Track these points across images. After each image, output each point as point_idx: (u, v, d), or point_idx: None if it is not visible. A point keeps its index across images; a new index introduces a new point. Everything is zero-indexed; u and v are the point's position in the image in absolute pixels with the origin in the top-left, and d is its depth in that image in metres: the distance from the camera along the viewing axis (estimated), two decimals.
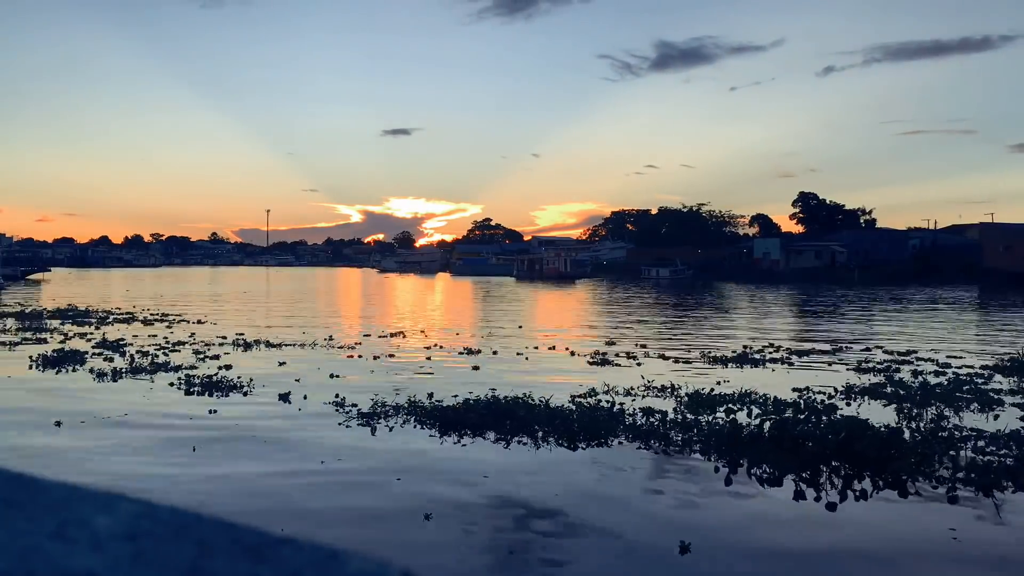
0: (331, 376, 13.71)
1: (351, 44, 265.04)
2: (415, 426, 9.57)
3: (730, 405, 10.23)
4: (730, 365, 15.39)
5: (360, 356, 16.74)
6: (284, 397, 11.44)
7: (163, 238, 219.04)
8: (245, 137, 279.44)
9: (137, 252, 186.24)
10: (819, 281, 64.69)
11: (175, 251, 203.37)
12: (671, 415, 9.77)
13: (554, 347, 18.58)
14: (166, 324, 24.30)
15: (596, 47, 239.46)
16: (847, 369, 14.71)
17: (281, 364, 15.23)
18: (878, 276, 64.33)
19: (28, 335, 20.34)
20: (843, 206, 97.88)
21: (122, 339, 19.27)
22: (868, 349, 18.35)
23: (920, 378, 13.25)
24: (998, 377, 13.47)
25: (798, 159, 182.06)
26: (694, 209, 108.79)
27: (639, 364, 15.46)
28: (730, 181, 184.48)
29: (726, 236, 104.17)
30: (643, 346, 18.88)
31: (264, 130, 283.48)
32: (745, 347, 18.31)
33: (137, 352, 16.64)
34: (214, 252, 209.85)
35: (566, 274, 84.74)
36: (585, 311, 34.61)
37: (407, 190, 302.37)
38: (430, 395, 11.11)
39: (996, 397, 11.33)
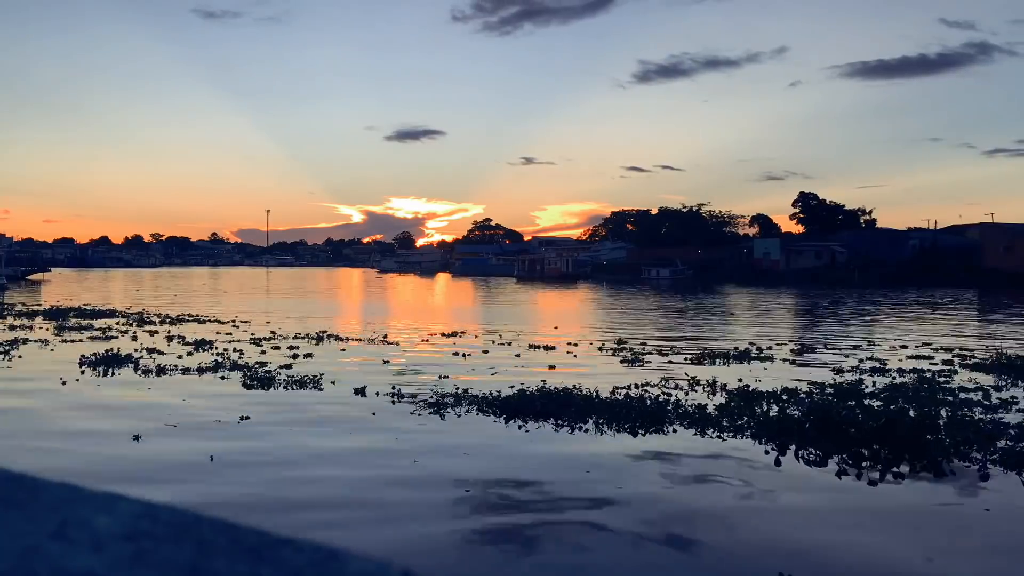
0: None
1: (354, 50, 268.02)
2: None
3: (770, 398, 10.78)
4: (752, 363, 15.95)
5: (463, 354, 17.01)
6: (437, 409, 10.72)
7: (163, 238, 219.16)
8: (246, 138, 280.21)
9: (137, 252, 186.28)
10: (819, 282, 64.88)
11: (175, 251, 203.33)
12: (721, 405, 10.37)
13: (613, 345, 19.17)
14: (231, 323, 24.45)
15: (583, 64, 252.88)
16: (849, 368, 15.02)
17: (386, 362, 15.59)
18: (878, 276, 64.45)
19: (82, 333, 20.47)
20: (843, 206, 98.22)
21: (206, 339, 19.16)
22: (871, 345, 18.87)
23: (919, 375, 13.78)
24: (1000, 376, 13.81)
25: (776, 163, 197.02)
26: (694, 209, 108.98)
27: (669, 361, 15.99)
28: (714, 182, 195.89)
29: (726, 236, 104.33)
30: (663, 344, 19.47)
31: (265, 131, 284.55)
32: (755, 346, 18.78)
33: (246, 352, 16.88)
34: (214, 252, 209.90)
35: (568, 274, 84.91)
36: (603, 313, 34.93)
37: (408, 191, 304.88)
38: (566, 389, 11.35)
39: (1005, 394, 11.79)
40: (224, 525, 0.66)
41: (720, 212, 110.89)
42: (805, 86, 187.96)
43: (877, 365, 15.18)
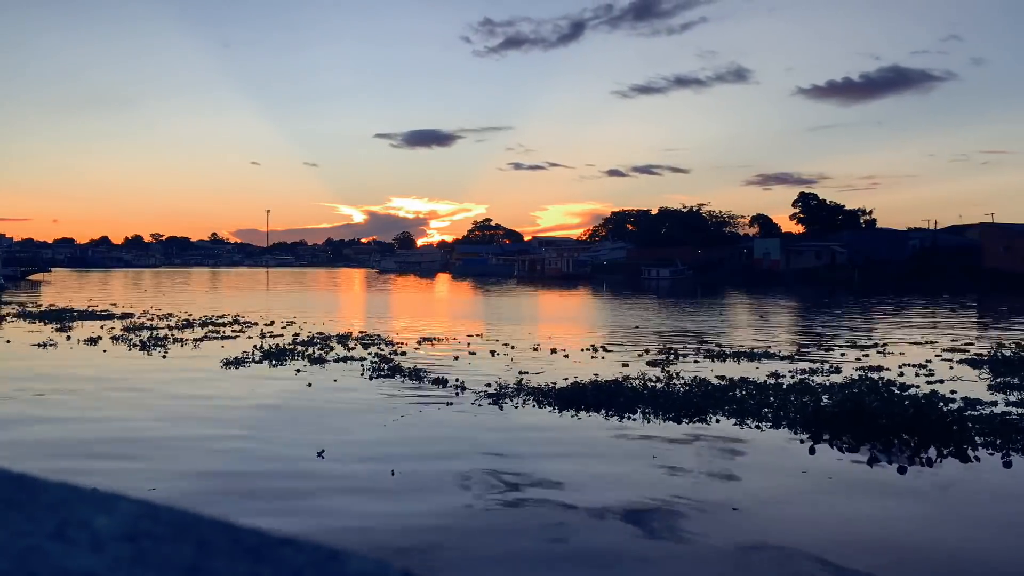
0: None
1: (358, 61, 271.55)
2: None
3: (798, 391, 11.26)
4: (763, 360, 16.38)
5: (495, 352, 17.79)
6: (496, 400, 11.63)
7: (163, 238, 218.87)
8: (246, 139, 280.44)
9: (137, 252, 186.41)
10: (819, 282, 64.79)
11: (175, 251, 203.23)
12: (752, 396, 10.80)
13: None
14: (287, 324, 24.56)
15: (569, 80, 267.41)
16: (852, 368, 15.19)
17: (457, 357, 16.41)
18: (878, 277, 64.31)
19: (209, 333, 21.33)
20: (843, 206, 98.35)
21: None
22: (877, 345, 19.37)
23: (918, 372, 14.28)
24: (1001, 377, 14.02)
25: (755, 168, 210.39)
26: (694, 209, 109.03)
27: (695, 361, 16.26)
28: (695, 182, 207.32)
29: (726, 236, 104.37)
30: (682, 346, 20.00)
31: (266, 133, 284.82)
32: (767, 347, 19.10)
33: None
34: (214, 252, 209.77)
35: (569, 275, 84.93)
36: (612, 316, 35.12)
37: (410, 191, 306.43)
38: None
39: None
40: (224, 525, 0.66)
41: (720, 212, 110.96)
42: (766, 102, 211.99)
43: (879, 364, 15.52)
